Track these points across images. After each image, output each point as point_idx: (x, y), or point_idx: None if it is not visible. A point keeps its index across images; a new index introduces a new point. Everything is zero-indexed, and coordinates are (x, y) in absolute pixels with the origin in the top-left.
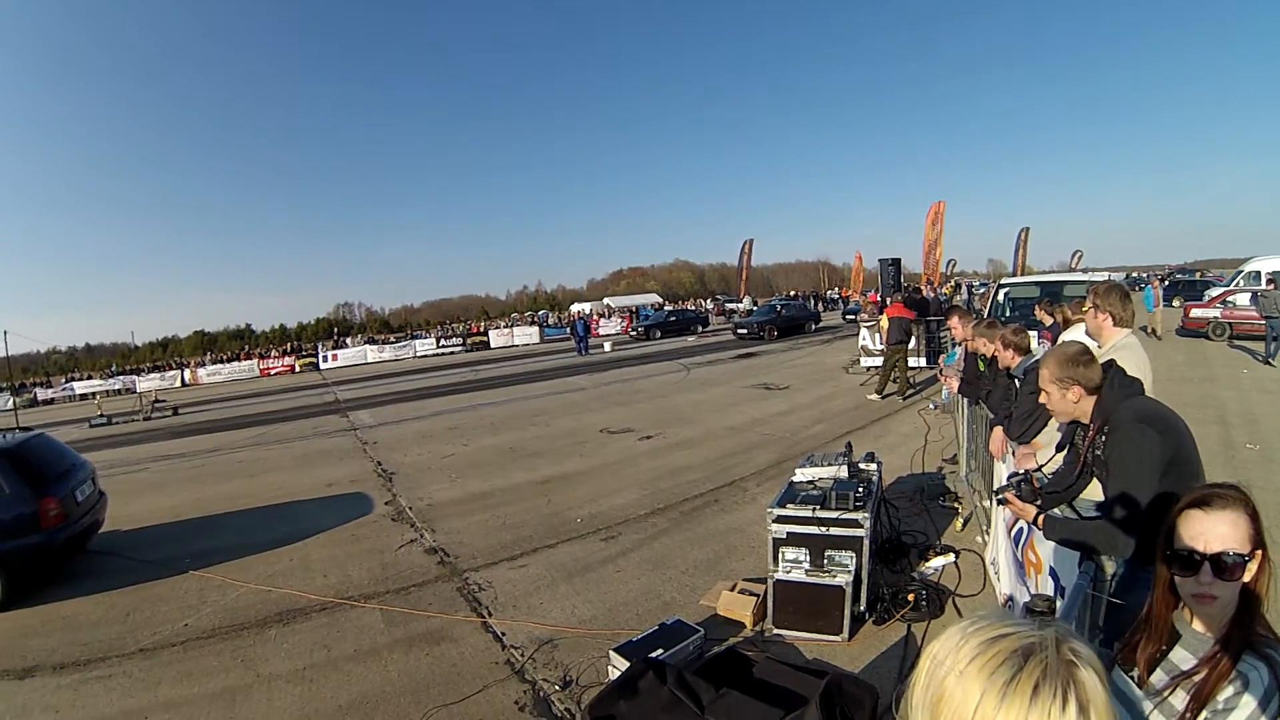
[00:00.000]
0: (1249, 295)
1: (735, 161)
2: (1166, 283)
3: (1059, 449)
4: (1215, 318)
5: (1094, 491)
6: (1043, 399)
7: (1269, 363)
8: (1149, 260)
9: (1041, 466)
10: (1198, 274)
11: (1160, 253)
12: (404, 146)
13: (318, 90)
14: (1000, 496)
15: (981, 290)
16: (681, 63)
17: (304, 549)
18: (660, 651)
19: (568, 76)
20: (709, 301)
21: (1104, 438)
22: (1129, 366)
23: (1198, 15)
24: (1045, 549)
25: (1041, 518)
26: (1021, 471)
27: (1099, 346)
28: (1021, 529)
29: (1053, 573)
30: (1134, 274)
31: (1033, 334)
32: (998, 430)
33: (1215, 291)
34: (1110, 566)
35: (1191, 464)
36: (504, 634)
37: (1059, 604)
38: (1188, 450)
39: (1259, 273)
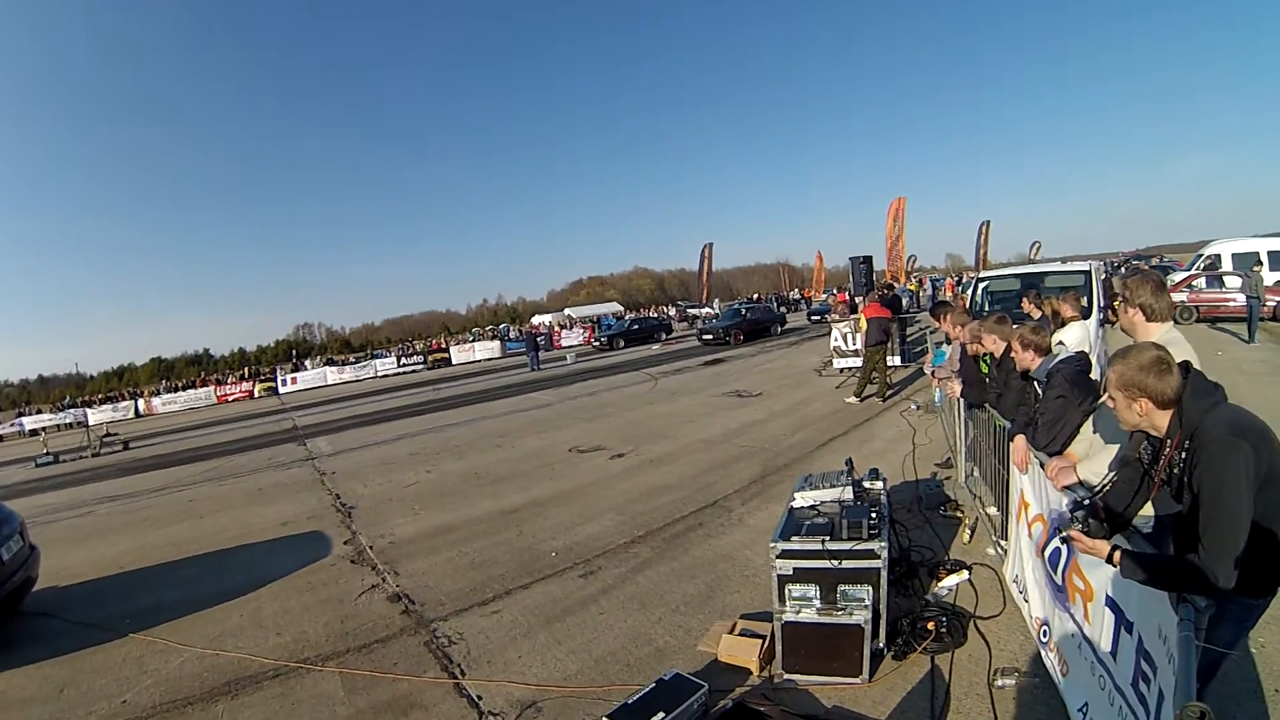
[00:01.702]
0: (1214, 277)
1: (690, 166)
2: (1123, 269)
3: (1114, 466)
4: (1182, 302)
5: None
6: (1106, 401)
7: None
8: (1105, 248)
9: (1102, 489)
10: (1154, 259)
11: (1115, 240)
12: (362, 163)
13: (273, 108)
14: (1065, 535)
15: (941, 285)
16: (634, 69)
17: (256, 601)
18: (661, 716)
19: (521, 89)
20: (670, 308)
21: (1184, 454)
22: None
23: (1154, 7)
24: (1098, 575)
25: (1118, 554)
26: (1085, 501)
27: None
28: (1059, 550)
29: (1111, 603)
30: (1110, 260)
31: None
32: (1020, 439)
33: (1179, 276)
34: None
35: None
36: (480, 697)
37: (1107, 645)
38: None
39: (1219, 255)
